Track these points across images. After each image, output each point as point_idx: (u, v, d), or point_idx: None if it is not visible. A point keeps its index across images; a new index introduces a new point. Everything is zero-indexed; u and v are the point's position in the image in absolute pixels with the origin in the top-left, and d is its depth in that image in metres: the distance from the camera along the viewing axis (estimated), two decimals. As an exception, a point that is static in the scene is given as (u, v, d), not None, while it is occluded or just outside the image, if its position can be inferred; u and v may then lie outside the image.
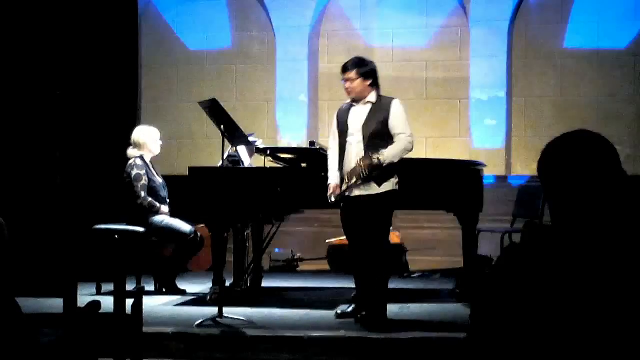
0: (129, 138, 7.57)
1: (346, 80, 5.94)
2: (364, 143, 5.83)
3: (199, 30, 9.96)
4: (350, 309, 6.12)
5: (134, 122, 9.37)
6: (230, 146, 6.94)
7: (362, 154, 5.82)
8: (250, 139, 6.95)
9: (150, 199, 7.37)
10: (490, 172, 8.17)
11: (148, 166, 7.50)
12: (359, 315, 5.97)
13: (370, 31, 9.75)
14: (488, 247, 8.06)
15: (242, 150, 7.08)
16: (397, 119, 5.88)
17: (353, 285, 6.25)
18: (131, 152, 7.54)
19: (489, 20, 9.33)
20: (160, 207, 7.37)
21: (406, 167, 6.01)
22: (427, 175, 6.67)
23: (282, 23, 9.74)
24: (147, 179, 7.39)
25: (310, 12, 9.70)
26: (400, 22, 9.66)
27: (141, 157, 7.48)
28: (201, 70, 9.97)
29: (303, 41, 9.71)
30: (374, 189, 5.83)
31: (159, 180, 7.56)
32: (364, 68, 5.94)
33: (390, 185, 5.86)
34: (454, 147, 9.28)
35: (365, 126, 5.86)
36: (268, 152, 7.11)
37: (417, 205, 6.93)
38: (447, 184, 6.69)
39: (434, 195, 6.70)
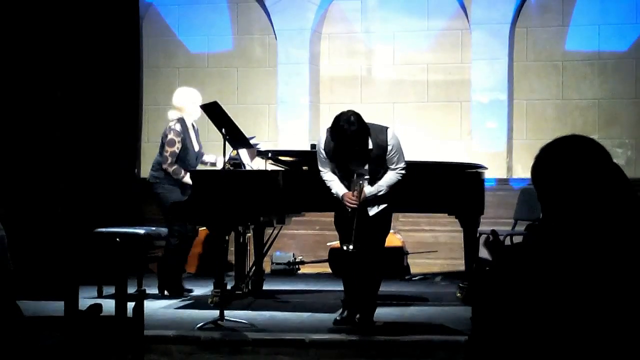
0: (130, 140, 7.56)
1: (358, 151, 5.66)
2: (369, 176, 5.83)
3: (201, 32, 9.96)
4: (345, 314, 6.06)
5: (136, 124, 9.38)
6: (232, 149, 6.93)
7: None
8: (252, 141, 6.95)
9: (176, 166, 7.27)
10: (491, 174, 8.16)
11: (187, 131, 7.42)
12: (356, 319, 5.96)
13: (372, 34, 9.75)
14: (489, 250, 8.06)
15: (243, 153, 7.08)
16: (394, 151, 5.81)
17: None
18: (171, 114, 7.47)
19: (490, 22, 9.33)
20: (184, 175, 7.21)
21: (408, 170, 6.00)
22: (428, 178, 6.67)
23: (284, 26, 9.74)
24: (180, 146, 7.30)
25: (311, 14, 9.69)
26: (401, 24, 9.65)
27: (181, 121, 7.39)
28: (202, 72, 9.96)
29: (304, 44, 9.71)
30: (383, 203, 5.91)
31: (196, 147, 7.47)
32: (366, 133, 5.68)
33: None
34: (455, 149, 9.27)
35: (370, 164, 5.82)
36: (269, 154, 7.12)
37: (418, 207, 6.94)
38: (448, 187, 6.69)
39: (435, 198, 6.70)
